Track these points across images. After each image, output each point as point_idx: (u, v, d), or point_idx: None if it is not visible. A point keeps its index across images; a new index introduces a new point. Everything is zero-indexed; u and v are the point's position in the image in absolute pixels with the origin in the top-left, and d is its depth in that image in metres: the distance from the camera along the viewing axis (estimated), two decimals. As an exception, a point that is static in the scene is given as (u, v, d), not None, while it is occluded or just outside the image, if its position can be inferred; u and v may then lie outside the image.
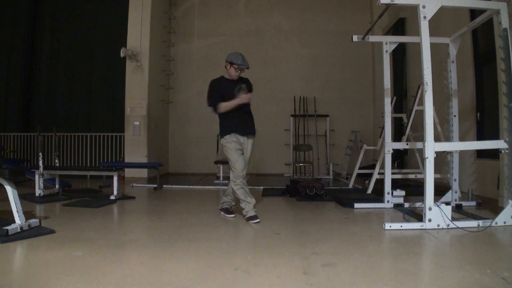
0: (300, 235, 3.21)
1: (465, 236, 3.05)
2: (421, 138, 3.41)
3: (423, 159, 3.41)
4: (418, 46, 3.52)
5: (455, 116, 4.50)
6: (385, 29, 8.99)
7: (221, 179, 7.57)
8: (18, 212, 3.04)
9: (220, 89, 3.86)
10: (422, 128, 3.36)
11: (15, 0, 9.76)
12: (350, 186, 6.59)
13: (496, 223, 3.30)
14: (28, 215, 3.33)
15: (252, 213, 3.71)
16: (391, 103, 5.86)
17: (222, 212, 4.08)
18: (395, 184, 4.76)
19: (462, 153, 4.94)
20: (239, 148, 3.82)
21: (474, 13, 4.94)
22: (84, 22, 9.65)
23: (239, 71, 3.82)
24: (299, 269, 2.26)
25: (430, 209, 3.25)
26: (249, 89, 3.92)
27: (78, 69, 9.71)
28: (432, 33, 3.39)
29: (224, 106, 3.78)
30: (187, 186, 6.99)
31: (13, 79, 9.76)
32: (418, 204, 4.14)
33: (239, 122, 3.84)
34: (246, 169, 3.83)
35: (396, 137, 6.58)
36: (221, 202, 4.15)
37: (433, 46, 3.42)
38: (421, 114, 3.52)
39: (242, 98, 3.75)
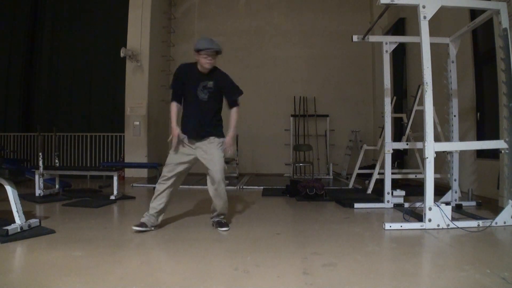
0: (300, 235, 3.20)
1: (465, 236, 3.05)
2: (421, 138, 3.41)
3: (423, 159, 3.41)
4: (418, 46, 3.52)
5: (455, 116, 4.50)
6: (385, 29, 8.99)
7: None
8: (18, 212, 3.04)
9: (184, 79, 3.22)
10: (422, 128, 3.36)
11: (15, 1, 9.76)
12: (350, 186, 6.59)
13: (496, 223, 3.30)
14: (28, 215, 3.33)
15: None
16: (391, 103, 5.86)
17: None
18: (395, 184, 4.76)
19: (462, 153, 4.94)
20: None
21: (474, 13, 4.93)
22: (84, 22, 9.66)
23: (209, 58, 3.10)
24: (299, 269, 2.26)
25: (430, 209, 3.25)
26: (217, 88, 3.20)
27: (78, 69, 9.72)
28: (432, 33, 3.39)
29: (171, 115, 3.25)
30: (187, 186, 6.96)
31: (13, 79, 9.77)
32: (418, 204, 4.13)
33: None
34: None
35: (396, 137, 6.58)
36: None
37: (433, 46, 3.42)
38: (421, 114, 3.52)
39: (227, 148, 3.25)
